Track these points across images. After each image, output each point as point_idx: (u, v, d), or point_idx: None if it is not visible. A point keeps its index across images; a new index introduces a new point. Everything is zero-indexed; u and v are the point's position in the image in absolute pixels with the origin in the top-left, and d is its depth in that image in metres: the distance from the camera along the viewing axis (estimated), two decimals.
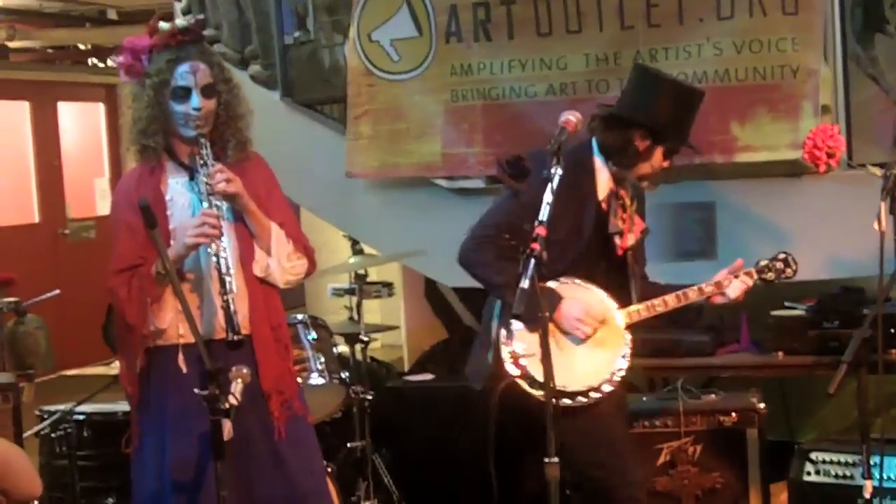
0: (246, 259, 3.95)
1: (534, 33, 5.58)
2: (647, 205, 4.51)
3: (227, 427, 3.53)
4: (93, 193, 11.95)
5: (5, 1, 9.84)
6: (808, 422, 6.11)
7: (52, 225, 11.29)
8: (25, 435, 5.18)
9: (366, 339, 5.71)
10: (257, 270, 3.97)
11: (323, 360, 5.35)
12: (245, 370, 3.57)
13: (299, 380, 4.41)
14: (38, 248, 10.83)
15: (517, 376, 4.18)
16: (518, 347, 4.18)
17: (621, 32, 5.42)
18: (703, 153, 4.96)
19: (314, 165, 6.51)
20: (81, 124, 12.00)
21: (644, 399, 5.57)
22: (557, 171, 3.52)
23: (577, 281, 4.26)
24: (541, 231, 3.40)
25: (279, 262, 4.00)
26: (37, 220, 11.25)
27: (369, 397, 5.58)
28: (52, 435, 5.17)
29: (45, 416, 5.24)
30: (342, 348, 5.82)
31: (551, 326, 4.08)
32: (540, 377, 4.01)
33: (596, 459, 4.27)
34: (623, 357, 4.25)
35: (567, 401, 4.14)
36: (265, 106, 6.36)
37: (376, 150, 6.02)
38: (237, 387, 3.51)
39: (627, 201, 4.32)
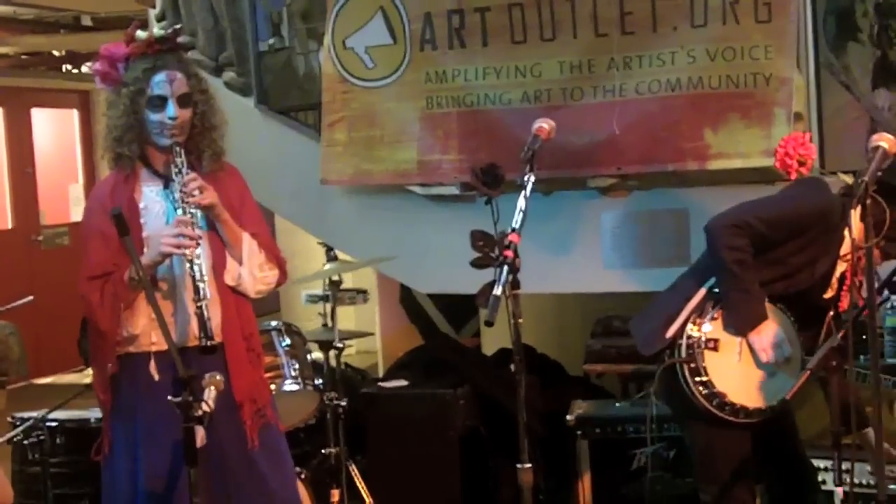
0: (218, 268, 3.96)
1: (508, 41, 5.57)
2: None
3: (201, 434, 3.52)
4: (67, 200, 11.92)
5: None
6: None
7: (26, 231, 11.26)
8: None
9: (340, 345, 5.70)
10: (228, 279, 3.97)
11: (297, 366, 5.35)
12: (218, 377, 3.57)
13: (273, 386, 4.42)
14: (12, 255, 10.79)
15: (685, 360, 4.18)
16: (702, 334, 4.18)
17: (595, 40, 5.41)
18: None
19: (289, 172, 6.52)
20: (55, 130, 11.98)
21: (617, 405, 5.59)
22: (531, 179, 3.53)
23: (790, 315, 4.28)
24: (514, 238, 3.42)
25: (251, 272, 4.01)
26: (10, 226, 11.21)
27: (343, 404, 5.57)
28: (25, 442, 5.16)
29: (18, 423, 5.23)
30: (317, 355, 5.82)
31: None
32: (711, 374, 4.12)
33: (710, 472, 4.28)
34: (783, 399, 4.21)
35: (716, 410, 4.17)
36: (240, 113, 6.37)
37: (351, 157, 6.01)
38: (210, 394, 3.50)
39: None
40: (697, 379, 4.15)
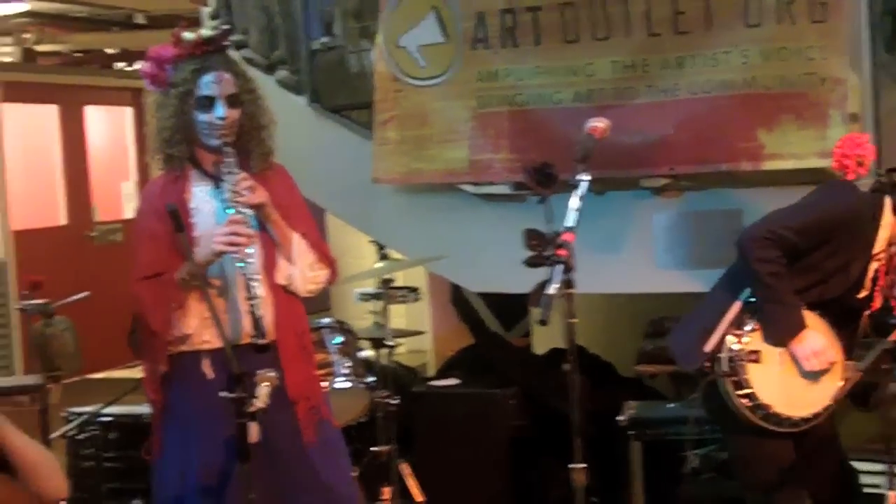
0: (269, 267, 3.96)
1: (561, 40, 5.56)
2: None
3: (254, 430, 3.54)
4: (119, 197, 11.99)
5: (33, 5, 9.89)
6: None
7: (79, 228, 11.33)
8: (52, 436, 5.21)
9: (391, 343, 5.72)
10: (280, 279, 3.98)
11: (348, 364, 5.36)
12: (272, 373, 3.58)
13: (324, 384, 4.43)
14: (65, 251, 10.87)
15: (727, 374, 4.16)
16: (742, 346, 4.17)
17: (649, 39, 5.39)
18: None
19: (341, 170, 6.52)
20: (108, 128, 12.04)
21: (670, 407, 5.57)
22: (585, 178, 3.53)
23: (825, 320, 4.26)
24: (568, 237, 3.41)
25: (301, 272, 4.01)
26: (64, 222, 11.29)
27: (394, 402, 5.58)
28: (79, 437, 5.20)
29: (72, 418, 5.27)
30: (368, 353, 5.83)
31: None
32: (755, 386, 4.10)
33: (755, 480, 4.26)
34: (826, 408, 4.23)
35: (762, 422, 4.16)
36: (292, 111, 6.39)
37: (402, 155, 6.02)
38: (264, 390, 3.52)
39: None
40: (741, 392, 4.14)
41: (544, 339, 7.04)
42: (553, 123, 5.55)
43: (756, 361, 4.14)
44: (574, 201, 3.52)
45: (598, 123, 3.80)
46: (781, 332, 4.16)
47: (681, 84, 5.34)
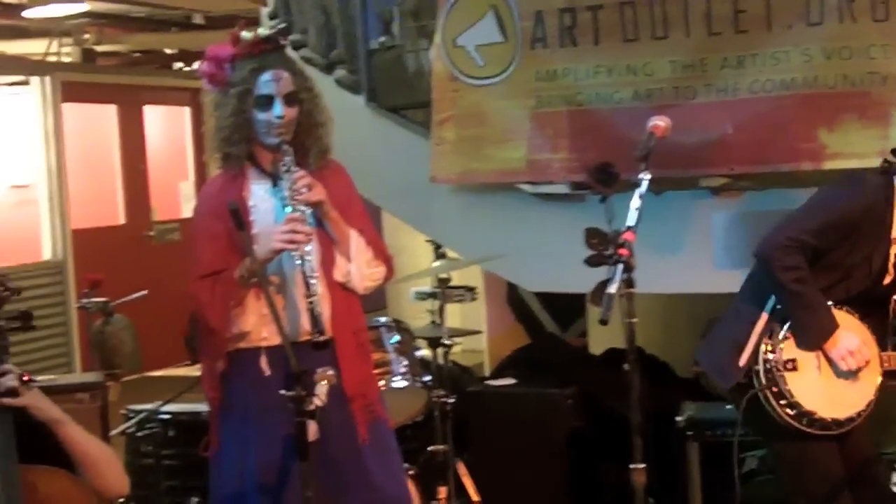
0: (327, 264, 3.97)
1: (620, 39, 5.54)
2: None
3: (313, 428, 3.55)
4: (177, 196, 12.07)
5: (93, 6, 9.97)
6: (894, 432, 6.03)
7: (138, 227, 11.41)
8: (112, 434, 5.24)
9: (448, 342, 5.71)
10: (338, 276, 3.99)
11: (405, 363, 5.36)
12: (330, 371, 3.60)
13: (381, 382, 4.43)
14: (124, 250, 10.94)
15: (767, 387, 4.14)
16: (778, 356, 4.14)
17: (708, 38, 5.36)
18: None
19: (398, 170, 6.54)
20: (167, 128, 12.12)
21: (728, 408, 5.52)
22: (646, 177, 3.52)
23: (855, 315, 4.24)
24: (629, 236, 3.40)
25: (359, 269, 4.02)
26: (122, 222, 11.37)
27: (451, 401, 5.58)
28: (138, 434, 5.22)
29: (131, 416, 5.30)
30: (424, 352, 5.83)
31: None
32: (796, 395, 4.07)
33: (802, 487, 4.24)
34: (868, 404, 4.21)
35: (807, 428, 4.13)
36: (350, 110, 6.41)
37: (460, 155, 6.02)
38: (322, 388, 3.53)
39: None
40: (783, 402, 4.11)
41: (600, 340, 7.02)
42: (612, 123, 5.53)
43: (794, 370, 4.11)
44: (635, 200, 3.51)
45: (660, 122, 3.79)
46: (814, 337, 4.13)
47: (741, 83, 5.30)
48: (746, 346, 4.18)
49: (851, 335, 4.14)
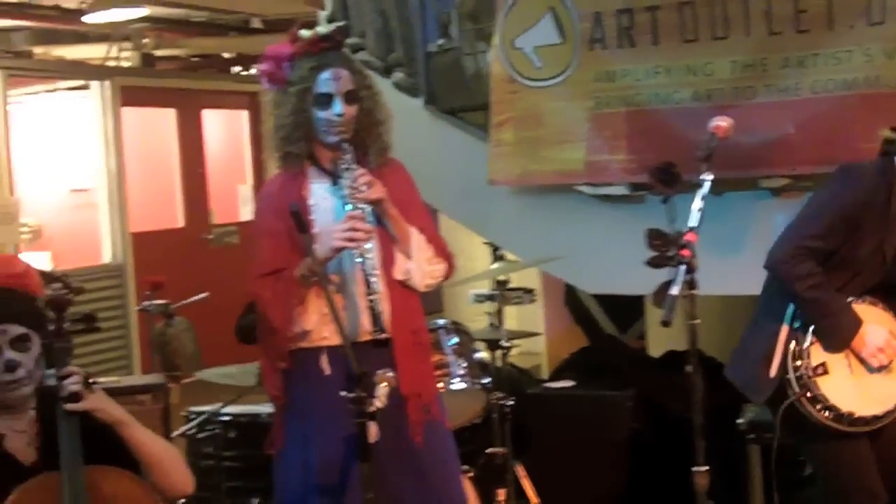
0: (387, 262, 3.97)
1: (679, 39, 5.52)
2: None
3: (373, 430, 3.55)
4: (236, 199, 12.12)
5: (152, 10, 10.03)
6: None
7: (196, 230, 11.47)
8: (173, 435, 5.28)
9: (507, 344, 5.71)
10: (398, 274, 3.99)
11: (464, 365, 5.35)
12: (391, 374, 3.60)
13: (440, 384, 4.42)
14: (182, 253, 11.01)
15: (800, 395, 4.12)
16: (807, 362, 4.12)
17: (769, 38, 5.33)
18: None
19: (456, 172, 6.54)
20: (225, 131, 12.18)
21: None
22: (709, 178, 3.50)
23: (878, 305, 4.21)
24: (691, 237, 3.39)
25: (419, 266, 4.01)
26: (181, 225, 11.43)
27: (510, 403, 5.58)
28: (199, 435, 5.25)
29: (192, 417, 5.33)
30: (482, 354, 5.82)
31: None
32: (831, 398, 4.05)
33: (861, 485, 4.19)
34: None
35: (848, 428, 4.11)
36: (408, 113, 6.41)
37: (518, 157, 6.02)
38: (383, 390, 3.53)
39: None
40: (820, 406, 4.09)
41: (659, 342, 6.99)
42: (671, 123, 5.51)
43: (825, 373, 4.08)
44: (697, 201, 3.50)
45: (722, 122, 3.78)
46: (839, 340, 4.11)
47: (802, 83, 5.27)
48: (774, 358, 4.17)
49: (878, 329, 4.12)
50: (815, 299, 4.06)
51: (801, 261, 4.07)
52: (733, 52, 5.42)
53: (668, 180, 3.55)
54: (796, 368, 4.11)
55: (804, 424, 4.14)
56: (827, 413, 4.08)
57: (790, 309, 4.19)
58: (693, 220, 3.47)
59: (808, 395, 4.09)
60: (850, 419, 4.07)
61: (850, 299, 4.15)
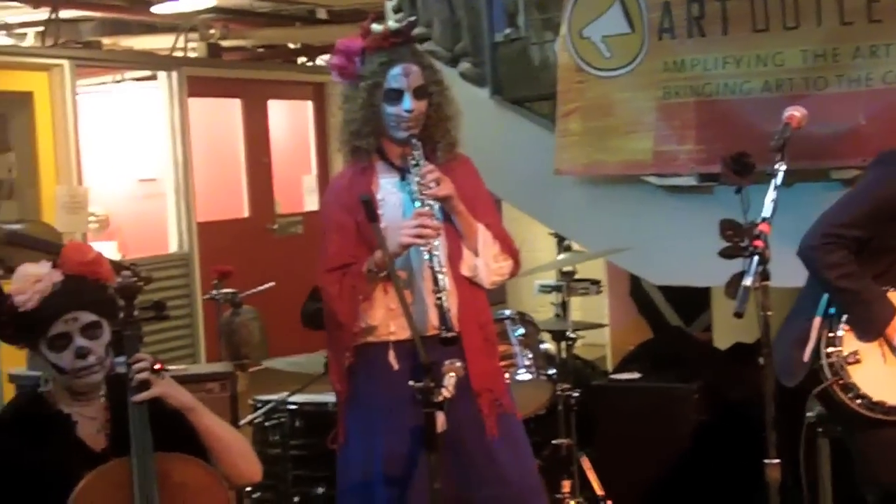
0: (454, 258, 3.96)
1: (749, 29, 5.48)
2: None
3: (441, 419, 3.54)
4: (300, 190, 12.16)
5: (219, 1, 10.09)
6: None
7: (261, 220, 11.52)
8: (240, 423, 5.30)
9: (573, 336, 5.69)
10: (465, 270, 3.98)
11: (530, 356, 5.34)
12: (458, 364, 3.59)
13: (506, 375, 4.41)
14: (247, 243, 11.06)
15: (833, 381, 4.11)
16: (840, 350, 4.10)
17: (840, 28, 5.27)
18: None
19: (522, 162, 6.53)
20: (290, 122, 12.22)
21: None
22: (782, 168, 3.47)
23: None
24: (764, 228, 3.36)
25: (486, 263, 4.00)
26: (246, 214, 11.49)
27: (576, 394, 5.56)
28: (266, 424, 5.27)
29: (259, 406, 5.35)
30: (547, 345, 5.80)
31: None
32: (863, 387, 4.04)
33: (874, 476, 4.18)
34: None
35: (882, 416, 4.09)
36: (474, 103, 6.40)
37: (585, 147, 6.00)
38: (450, 380, 3.52)
39: None
40: (852, 395, 4.06)
41: (725, 334, 6.95)
42: (741, 114, 5.47)
43: (857, 362, 4.06)
44: (770, 192, 3.47)
45: (796, 112, 3.74)
46: (872, 329, 4.08)
47: (873, 74, 5.21)
48: (808, 344, 4.15)
49: None
50: (845, 288, 4.04)
51: (831, 249, 4.06)
52: (804, 41, 5.37)
53: (742, 170, 3.52)
54: (829, 355, 4.10)
55: (840, 411, 4.14)
56: (859, 401, 4.07)
57: (826, 295, 4.17)
58: (766, 211, 3.44)
59: (841, 382, 4.08)
60: (882, 408, 4.05)
61: (885, 288, 4.11)
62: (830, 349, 4.10)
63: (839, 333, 4.10)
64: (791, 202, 5.24)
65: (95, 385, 3.42)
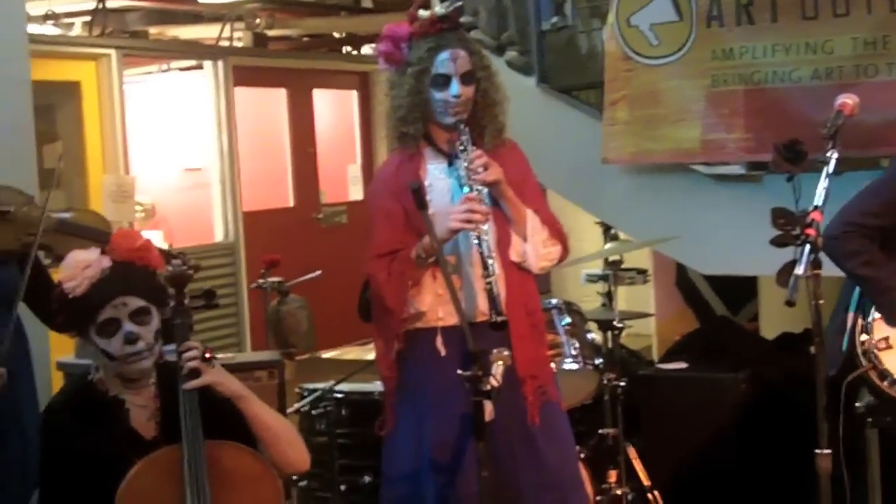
0: (503, 244, 3.96)
1: (799, 17, 5.43)
2: None
3: (489, 408, 3.54)
4: (345, 179, 12.17)
5: None
6: None
7: (306, 209, 11.54)
8: (288, 411, 5.31)
9: (620, 325, 5.67)
10: (513, 256, 3.97)
11: (577, 345, 5.32)
12: (506, 352, 3.57)
13: (553, 365, 4.40)
14: (292, 233, 11.08)
15: (868, 368, 4.13)
16: (873, 339, 4.13)
17: (891, 15, 5.22)
18: None
19: (568, 151, 6.50)
20: (335, 111, 12.23)
21: None
22: (834, 156, 3.45)
23: None
24: (816, 216, 3.34)
25: (535, 248, 3.99)
26: (292, 204, 11.51)
27: (622, 384, 5.54)
28: (312, 412, 5.28)
29: (306, 394, 5.36)
30: (594, 335, 5.79)
31: None
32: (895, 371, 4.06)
33: None
34: None
35: None
36: (521, 92, 6.38)
37: (633, 135, 5.97)
38: (498, 369, 3.51)
39: None
40: (887, 381, 4.09)
41: (772, 324, 6.91)
42: (790, 102, 5.44)
43: (888, 348, 4.09)
44: (822, 180, 3.45)
45: (848, 100, 3.72)
46: None
47: None
48: (846, 332, 4.18)
49: None
50: (867, 276, 4.07)
51: (851, 238, 4.08)
52: (854, 29, 5.32)
53: (794, 158, 3.50)
54: (863, 343, 4.14)
55: (883, 399, 4.17)
56: (894, 387, 4.09)
57: (857, 289, 4.21)
58: (818, 199, 3.42)
59: (877, 369, 4.11)
60: None
61: None
62: (864, 336, 4.14)
63: (871, 320, 4.14)
64: (840, 190, 5.22)
65: (145, 372, 3.43)
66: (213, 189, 10.59)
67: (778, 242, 3.42)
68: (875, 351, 4.09)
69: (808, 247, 3.32)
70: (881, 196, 4.14)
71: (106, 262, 3.38)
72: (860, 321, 4.14)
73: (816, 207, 3.40)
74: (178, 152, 10.90)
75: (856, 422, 5.22)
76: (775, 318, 6.80)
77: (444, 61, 3.93)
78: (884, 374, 4.08)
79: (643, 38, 5.89)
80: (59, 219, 4.46)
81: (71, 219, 4.51)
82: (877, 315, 4.12)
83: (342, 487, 5.22)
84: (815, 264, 3.36)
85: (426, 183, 3.95)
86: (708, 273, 7.15)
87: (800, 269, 3.30)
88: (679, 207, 6.04)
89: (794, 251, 3.38)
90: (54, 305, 3.42)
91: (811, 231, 3.33)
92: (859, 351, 4.13)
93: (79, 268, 3.36)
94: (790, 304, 3.30)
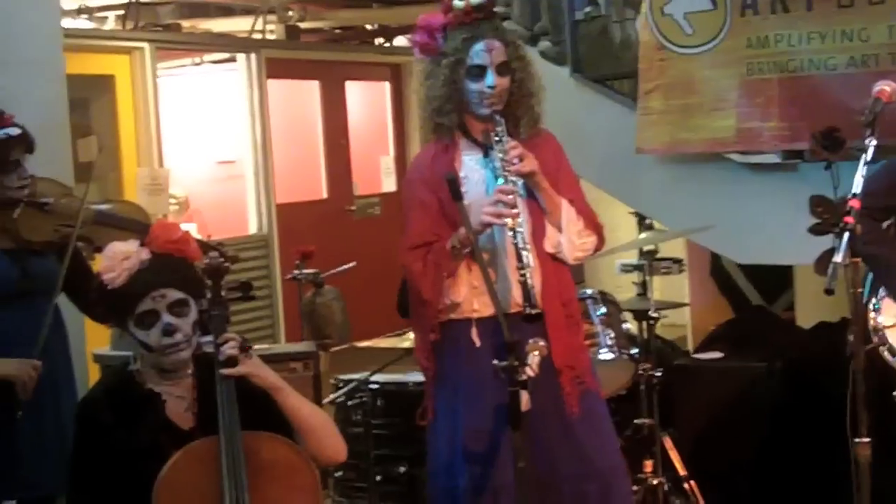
0: (538, 235, 3.95)
1: (834, 4, 5.42)
2: None
3: (525, 398, 3.54)
4: (378, 171, 12.16)
5: None
6: None
7: (340, 201, 11.53)
8: (323, 402, 5.33)
9: (655, 315, 5.66)
10: (548, 246, 3.97)
11: (612, 335, 5.32)
12: (542, 343, 3.58)
13: (589, 354, 4.40)
14: (326, 225, 11.07)
15: (878, 345, 4.14)
16: (882, 320, 4.15)
17: None
18: None
19: (602, 141, 6.49)
20: (368, 103, 12.21)
21: None
22: (872, 143, 3.43)
23: None
24: (854, 204, 3.32)
25: (570, 239, 3.99)
26: (325, 196, 11.51)
27: (658, 374, 5.53)
28: (348, 403, 5.29)
29: (341, 385, 5.37)
30: (629, 325, 5.78)
31: None
32: None
33: None
34: None
35: None
36: (554, 82, 6.34)
37: (667, 125, 5.96)
38: (534, 359, 3.51)
39: None
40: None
41: (808, 313, 6.88)
42: (826, 90, 5.42)
43: (894, 326, 4.10)
44: (861, 167, 3.43)
45: (886, 87, 3.70)
46: None
47: None
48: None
49: None
50: (871, 254, 4.03)
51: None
52: (891, 16, 5.30)
53: (832, 146, 3.49)
54: (871, 321, 4.15)
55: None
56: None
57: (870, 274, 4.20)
58: (857, 187, 3.40)
59: (885, 346, 4.12)
60: None
61: None
62: (872, 313, 4.15)
63: (880, 298, 4.16)
64: None
65: (183, 363, 3.45)
66: (247, 181, 10.59)
67: (816, 231, 3.42)
68: (883, 329, 4.12)
69: (846, 235, 3.30)
70: (881, 180, 4.10)
71: (145, 254, 3.39)
72: (872, 300, 4.16)
73: (855, 195, 3.38)
74: (212, 145, 10.91)
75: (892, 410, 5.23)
76: (812, 307, 6.77)
77: (480, 52, 3.93)
78: (893, 351, 4.12)
79: (677, 26, 5.87)
80: (98, 210, 4.49)
81: (110, 210, 4.54)
82: (882, 294, 4.14)
83: (378, 478, 5.22)
84: (854, 253, 3.35)
85: (461, 174, 3.95)
86: (744, 262, 7.14)
87: (838, 258, 3.29)
88: (714, 197, 6.03)
89: (831, 239, 3.37)
90: (93, 296, 3.44)
91: (850, 219, 3.32)
92: (871, 329, 4.15)
93: (118, 259, 3.37)
94: (829, 292, 3.29)
